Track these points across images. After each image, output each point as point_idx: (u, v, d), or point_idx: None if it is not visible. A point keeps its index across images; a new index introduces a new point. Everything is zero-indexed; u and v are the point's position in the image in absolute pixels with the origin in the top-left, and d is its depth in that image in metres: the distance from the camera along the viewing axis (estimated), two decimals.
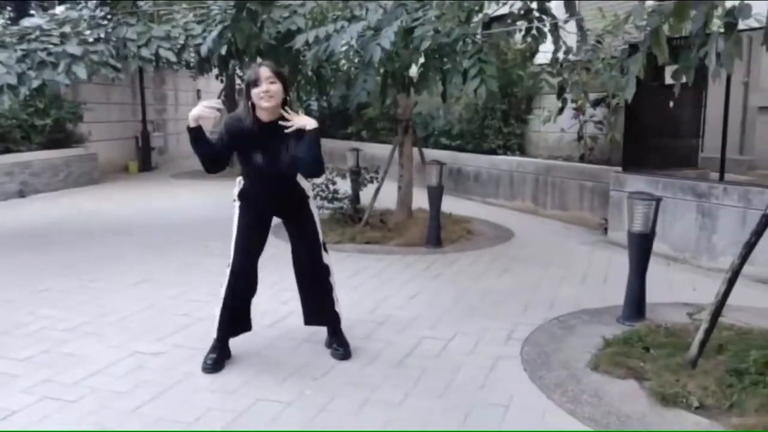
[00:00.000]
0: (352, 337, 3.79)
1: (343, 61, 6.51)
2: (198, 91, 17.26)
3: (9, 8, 9.26)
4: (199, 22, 6.28)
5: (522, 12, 5.59)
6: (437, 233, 6.40)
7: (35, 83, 5.56)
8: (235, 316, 3.50)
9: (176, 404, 3.01)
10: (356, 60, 6.08)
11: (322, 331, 3.78)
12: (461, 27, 5.60)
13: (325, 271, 3.60)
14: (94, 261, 5.80)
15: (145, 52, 5.95)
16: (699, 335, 3.28)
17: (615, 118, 7.43)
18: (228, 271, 3.45)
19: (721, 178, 5.64)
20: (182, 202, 9.45)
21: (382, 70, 5.98)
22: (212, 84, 14.80)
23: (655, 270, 5.46)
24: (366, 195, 7.39)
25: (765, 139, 7.91)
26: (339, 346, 3.62)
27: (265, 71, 3.17)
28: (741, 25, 3.09)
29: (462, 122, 9.74)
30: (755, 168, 7.86)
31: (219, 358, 3.44)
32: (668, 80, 6.06)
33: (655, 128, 6.55)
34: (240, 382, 3.26)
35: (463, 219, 7.51)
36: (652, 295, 4.29)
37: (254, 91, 3.15)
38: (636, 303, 4.12)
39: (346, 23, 5.46)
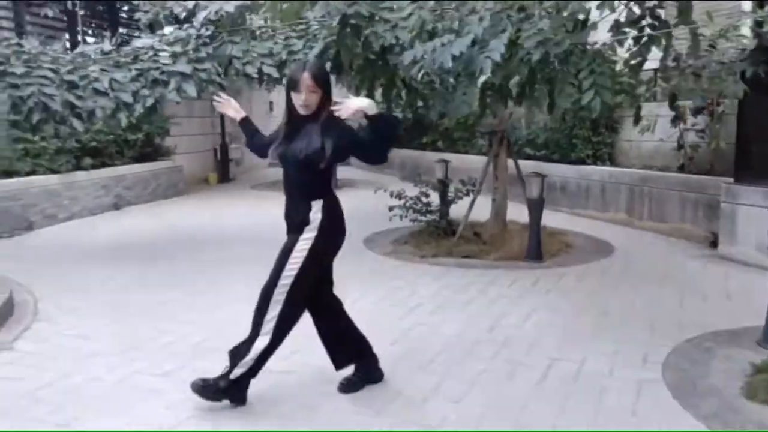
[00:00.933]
0: (479, 357, 3.73)
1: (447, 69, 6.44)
2: (270, 102, 17.57)
3: (120, 31, 9.61)
4: (299, 38, 6.34)
5: (631, 19, 5.44)
6: (538, 247, 6.26)
7: (149, 101, 5.72)
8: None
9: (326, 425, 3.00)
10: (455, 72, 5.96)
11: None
12: (571, 36, 5.49)
13: (264, 309, 3.14)
14: (199, 273, 5.91)
15: (250, 69, 6.04)
16: None
17: (720, 126, 7.12)
18: None
19: None
20: (267, 212, 9.59)
21: (479, 83, 5.93)
22: (283, 95, 15.05)
23: None
24: (456, 207, 7.30)
25: None
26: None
27: (306, 78, 2.95)
28: None
29: (547, 131, 9.56)
30: None
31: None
32: None
33: None
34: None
35: (558, 231, 7.34)
36: None
37: (293, 96, 3.00)
38: None
39: (451, 37, 5.41)
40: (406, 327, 4.38)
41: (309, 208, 3.09)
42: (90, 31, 11.09)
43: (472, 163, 10.37)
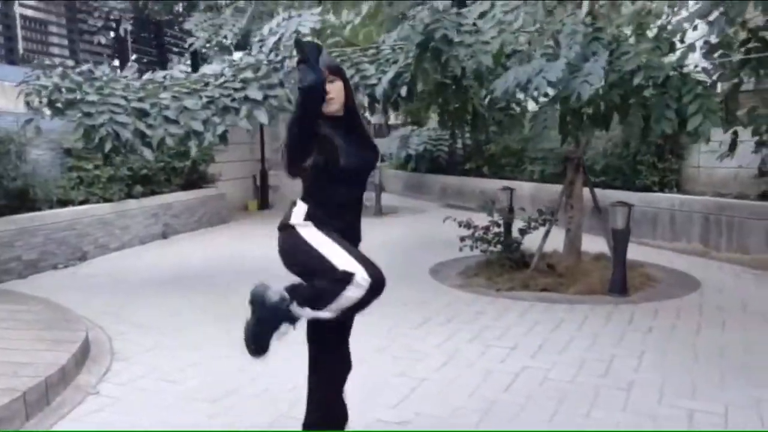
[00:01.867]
0: (607, 407, 3.39)
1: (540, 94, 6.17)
2: None
3: (186, 57, 9.50)
4: (371, 63, 6.13)
5: (738, 43, 5.16)
6: (623, 281, 5.91)
7: (220, 129, 5.51)
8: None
9: None
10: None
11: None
12: (668, 58, 5.21)
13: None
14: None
15: None
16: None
17: None
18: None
19: None
20: None
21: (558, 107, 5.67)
22: None
23: None
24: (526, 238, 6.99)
25: None
26: None
27: (324, 71, 2.51)
28: None
29: (606, 157, 9.24)
30: None
31: None
32: None
33: None
34: None
35: (633, 263, 6.97)
36: None
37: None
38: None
39: (542, 61, 5.15)
40: (511, 371, 4.04)
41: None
42: (137, 57, 11.03)
43: (522, 189, 10.07)
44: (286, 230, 2.69)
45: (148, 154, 5.36)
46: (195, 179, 10.60)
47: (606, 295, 5.89)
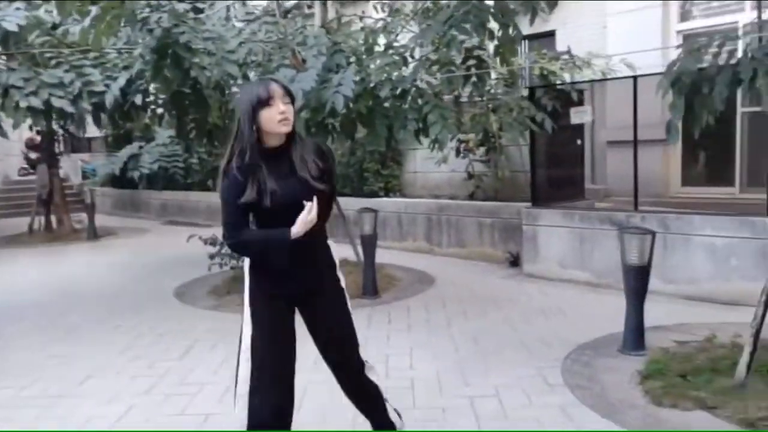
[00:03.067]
0: (396, 405, 3.50)
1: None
2: None
3: None
4: (94, 66, 5.39)
5: (460, 59, 5.75)
6: (374, 283, 6.20)
7: None
8: None
9: None
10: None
11: None
12: (410, 72, 5.59)
13: (370, 383, 2.82)
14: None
15: (35, 101, 4.92)
16: (744, 357, 3.57)
17: (503, 157, 7.92)
18: (245, 393, 2.54)
19: (636, 208, 6.27)
20: (36, 276, 7.99)
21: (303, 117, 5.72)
22: None
23: (587, 298, 5.90)
24: None
25: (614, 170, 9.00)
26: None
27: (277, 88, 2.45)
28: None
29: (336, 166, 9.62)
30: (610, 195, 8.89)
31: None
32: (573, 120, 6.71)
33: (554, 165, 7.13)
34: None
35: (377, 266, 7.35)
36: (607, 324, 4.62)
37: (266, 113, 2.41)
38: (637, 333, 4.36)
39: (290, 71, 5.12)
40: None
41: (328, 248, 2.71)
42: None
43: None
44: None
45: None
46: None
47: (360, 298, 6.10)
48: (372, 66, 5.29)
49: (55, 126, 9.30)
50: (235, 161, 2.45)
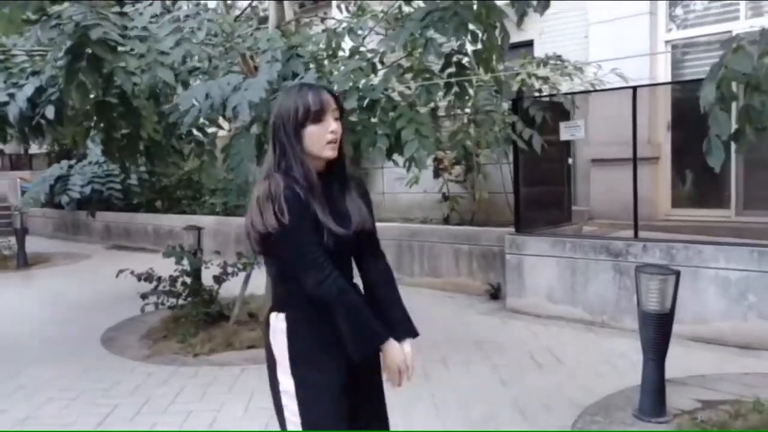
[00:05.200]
0: None
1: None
2: None
3: None
4: None
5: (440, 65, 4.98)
6: None
7: None
8: None
9: None
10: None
11: None
12: (381, 80, 4.79)
13: None
14: None
15: None
16: None
17: (480, 177, 7.17)
18: None
19: (636, 235, 5.55)
20: None
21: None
22: None
23: (584, 339, 5.15)
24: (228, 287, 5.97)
25: (598, 190, 8.34)
26: None
27: (330, 99, 1.89)
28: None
29: None
30: (593, 218, 8.21)
31: None
32: (563, 137, 5.98)
33: (539, 186, 6.40)
34: None
35: None
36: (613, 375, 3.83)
37: (314, 130, 1.86)
38: (657, 395, 3.58)
39: (237, 77, 4.26)
40: None
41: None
42: None
43: (203, 224, 9.00)
44: None
45: None
46: None
47: None
48: (335, 73, 4.47)
49: None
50: (283, 179, 1.82)
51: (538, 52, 8.22)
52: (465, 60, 5.01)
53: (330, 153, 1.90)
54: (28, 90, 4.33)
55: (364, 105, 4.65)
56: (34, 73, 4.48)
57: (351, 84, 4.29)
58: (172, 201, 10.88)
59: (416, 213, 8.03)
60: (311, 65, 4.72)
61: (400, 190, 7.83)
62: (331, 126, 1.88)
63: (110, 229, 12.33)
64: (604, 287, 5.47)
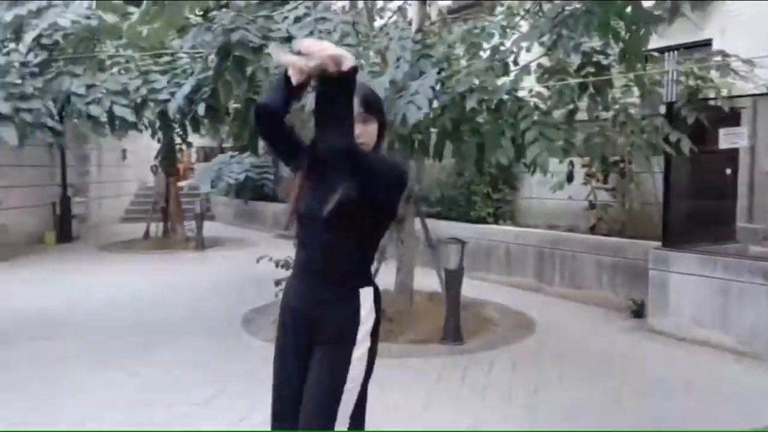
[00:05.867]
0: None
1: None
2: (123, 150, 15.65)
3: None
4: (163, 72, 5.03)
5: (575, 67, 4.76)
6: (457, 327, 5.29)
7: None
8: None
9: None
10: None
11: None
12: (510, 80, 4.69)
13: None
14: (17, 384, 4.29)
15: (96, 110, 4.62)
16: None
17: (632, 185, 6.68)
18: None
19: None
20: (117, 282, 7.92)
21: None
22: (141, 142, 13.24)
23: (727, 370, 4.62)
24: None
25: None
26: None
27: (356, 104, 1.85)
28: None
29: (441, 187, 8.81)
30: None
31: None
32: (722, 144, 5.41)
33: (694, 197, 5.84)
34: None
35: (469, 302, 6.43)
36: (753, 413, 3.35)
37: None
38: None
39: (367, 77, 4.41)
40: None
41: (356, 301, 2.01)
42: None
43: None
44: None
45: None
46: None
47: (439, 343, 5.23)
48: (460, 73, 4.44)
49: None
50: None
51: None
52: (607, 60, 4.73)
53: None
54: (186, 89, 4.84)
55: (492, 106, 4.59)
56: (192, 74, 5.00)
57: (474, 84, 4.23)
58: None
59: (564, 220, 7.68)
60: (443, 65, 4.73)
61: (547, 196, 7.55)
62: (356, 129, 1.85)
63: (279, 220, 13.28)
64: (763, 315, 4.85)
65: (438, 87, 4.22)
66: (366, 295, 2.02)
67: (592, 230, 7.05)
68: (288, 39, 4.62)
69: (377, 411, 3.48)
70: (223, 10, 4.68)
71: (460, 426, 3.61)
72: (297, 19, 4.83)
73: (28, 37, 4.69)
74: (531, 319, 6.10)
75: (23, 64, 4.59)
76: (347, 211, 1.89)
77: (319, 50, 1.61)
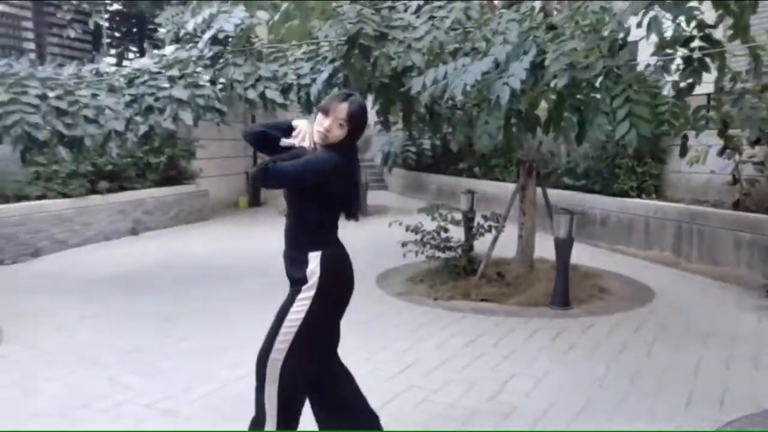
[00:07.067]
0: None
1: (460, 98, 5.86)
2: None
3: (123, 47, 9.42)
4: (308, 60, 5.90)
5: (682, 41, 4.76)
6: (565, 292, 5.58)
7: (142, 129, 5.36)
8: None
9: None
10: (475, 98, 5.45)
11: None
12: (604, 59, 4.84)
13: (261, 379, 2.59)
14: (195, 314, 5.44)
15: (252, 94, 5.62)
16: None
17: None
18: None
19: None
20: None
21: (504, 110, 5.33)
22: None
23: None
24: (481, 243, 6.66)
25: None
26: None
27: (341, 110, 2.53)
28: None
29: (588, 160, 8.84)
30: None
31: None
32: None
33: None
34: None
35: (592, 273, 6.61)
36: None
37: (318, 119, 2.57)
38: None
39: (468, 60, 4.85)
40: (394, 391, 3.78)
41: (305, 262, 2.58)
42: (120, 50, 10.98)
43: (509, 191, 9.73)
44: None
45: (65, 154, 5.24)
46: (173, 175, 10.53)
47: (547, 306, 5.58)
48: (553, 52, 4.67)
49: None
50: None
51: None
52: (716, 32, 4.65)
53: (317, 138, 2.55)
54: (325, 75, 5.64)
55: (595, 83, 4.77)
56: (332, 61, 5.78)
57: (564, 64, 4.46)
58: (489, 168, 11.87)
59: (709, 195, 7.40)
60: (549, 44, 4.98)
61: (693, 170, 7.31)
62: (327, 123, 2.53)
63: (441, 190, 13.99)
64: None
65: (532, 66, 4.52)
66: (313, 257, 2.57)
67: (736, 206, 6.77)
68: (406, 28, 5.21)
69: (453, 365, 4.05)
70: (349, 6, 5.37)
71: (525, 376, 4.04)
72: (418, 9, 5.39)
73: (206, 36, 5.79)
74: (652, 291, 6.14)
75: (199, 58, 5.70)
76: (291, 191, 2.62)
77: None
